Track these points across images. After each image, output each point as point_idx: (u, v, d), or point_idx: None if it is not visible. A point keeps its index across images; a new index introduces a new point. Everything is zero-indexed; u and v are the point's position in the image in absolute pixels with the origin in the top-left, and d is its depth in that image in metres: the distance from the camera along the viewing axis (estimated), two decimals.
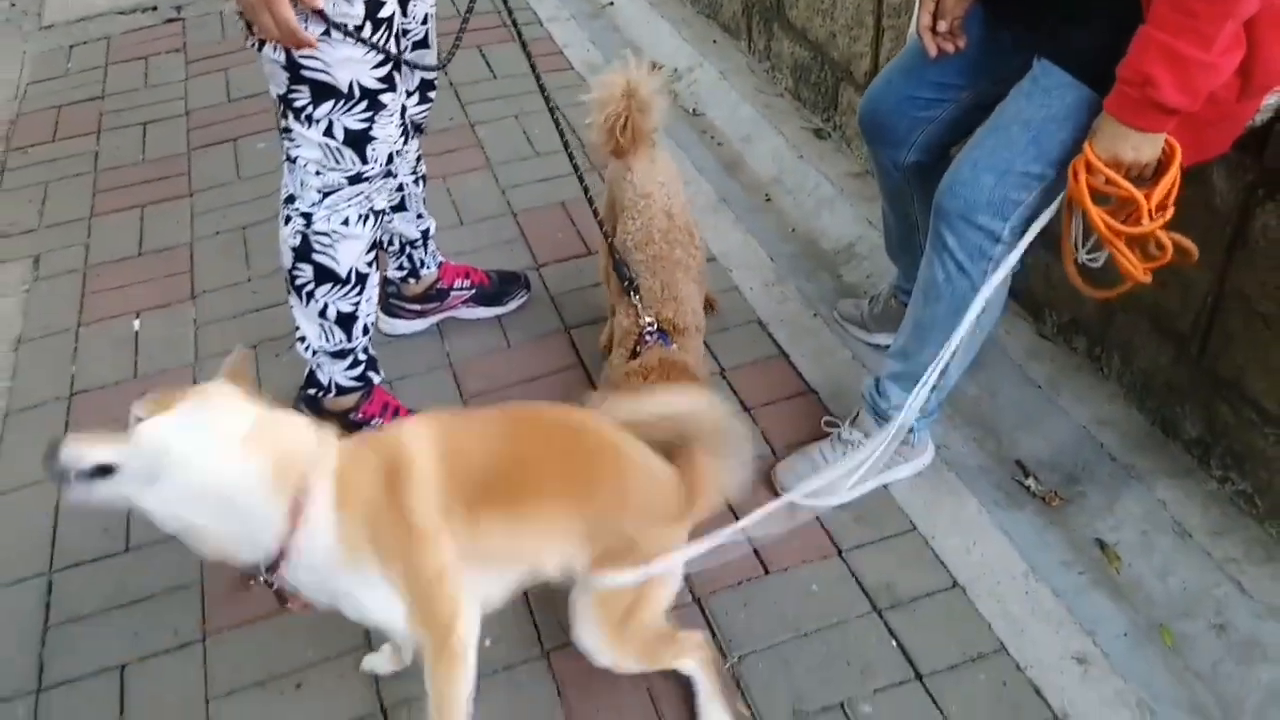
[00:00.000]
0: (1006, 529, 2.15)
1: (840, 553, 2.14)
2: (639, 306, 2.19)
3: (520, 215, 3.20)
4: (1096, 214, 1.73)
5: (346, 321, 2.24)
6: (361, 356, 2.35)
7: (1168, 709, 1.84)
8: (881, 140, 2.29)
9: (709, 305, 2.60)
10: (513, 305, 2.82)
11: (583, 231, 3.10)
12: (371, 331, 2.34)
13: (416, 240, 2.61)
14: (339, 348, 2.28)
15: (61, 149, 3.74)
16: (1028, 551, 2.11)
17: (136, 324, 2.91)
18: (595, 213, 2.39)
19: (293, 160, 2.05)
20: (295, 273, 2.18)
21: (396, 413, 2.41)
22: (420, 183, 2.55)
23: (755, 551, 2.13)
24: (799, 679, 1.91)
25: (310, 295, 2.19)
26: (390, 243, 2.61)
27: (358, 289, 2.21)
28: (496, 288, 2.80)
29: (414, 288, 2.71)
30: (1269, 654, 1.88)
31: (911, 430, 2.20)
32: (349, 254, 2.15)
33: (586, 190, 2.37)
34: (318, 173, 2.03)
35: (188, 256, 3.16)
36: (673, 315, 2.20)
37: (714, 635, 1.99)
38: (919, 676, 1.91)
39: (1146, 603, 2.02)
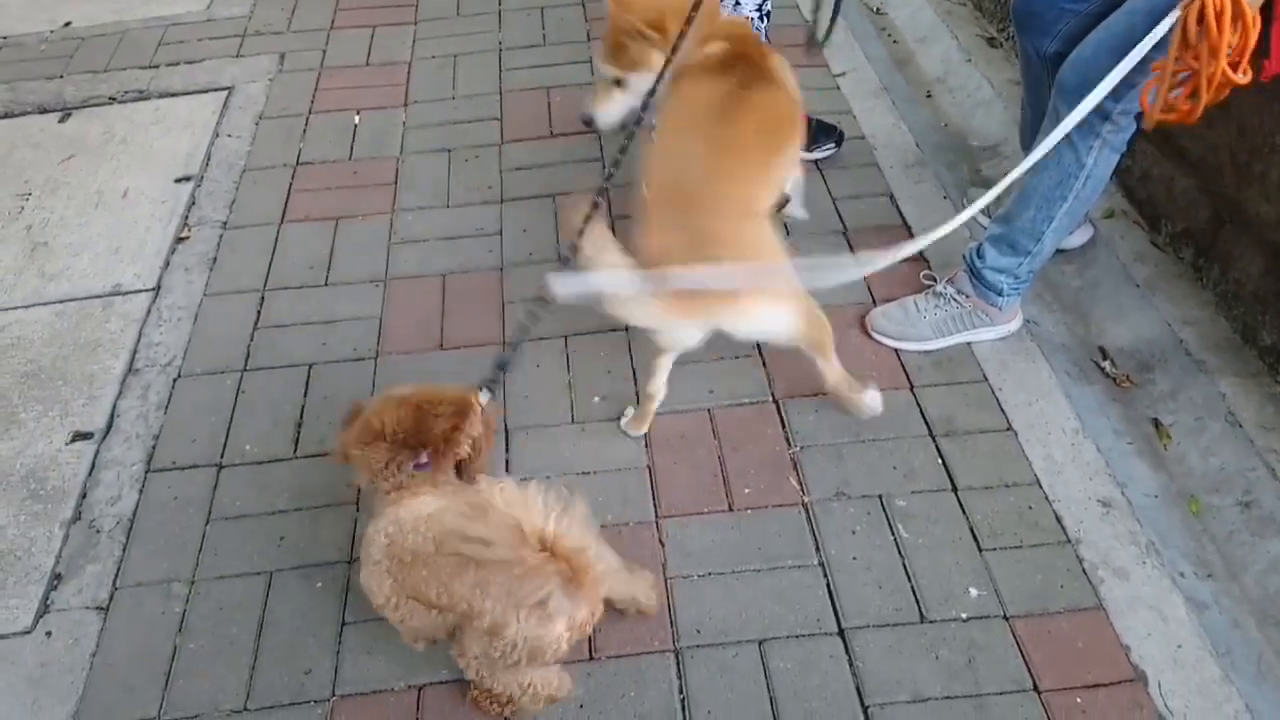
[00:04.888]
0: (1071, 395, 2.36)
1: (912, 387, 2.40)
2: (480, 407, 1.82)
3: None
4: (1225, 57, 1.76)
5: None
6: None
7: (1175, 556, 2.05)
8: (1030, 28, 2.47)
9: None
10: (818, 155, 3.02)
11: None
12: None
13: None
14: None
15: None
16: (1085, 416, 2.32)
17: (356, 118, 3.39)
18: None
19: None
20: None
21: None
22: (765, 18, 2.75)
23: None
24: (849, 471, 2.21)
25: None
26: None
27: None
28: (808, 133, 2.93)
29: None
30: None
31: (1002, 294, 2.42)
32: None
33: None
34: None
35: (406, 72, 3.62)
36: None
37: (783, 428, 2.31)
38: (954, 489, 2.18)
39: (1184, 474, 2.21)
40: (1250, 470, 2.16)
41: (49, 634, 2.02)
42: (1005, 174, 3.02)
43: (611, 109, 2.30)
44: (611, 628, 1.95)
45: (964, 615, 1.95)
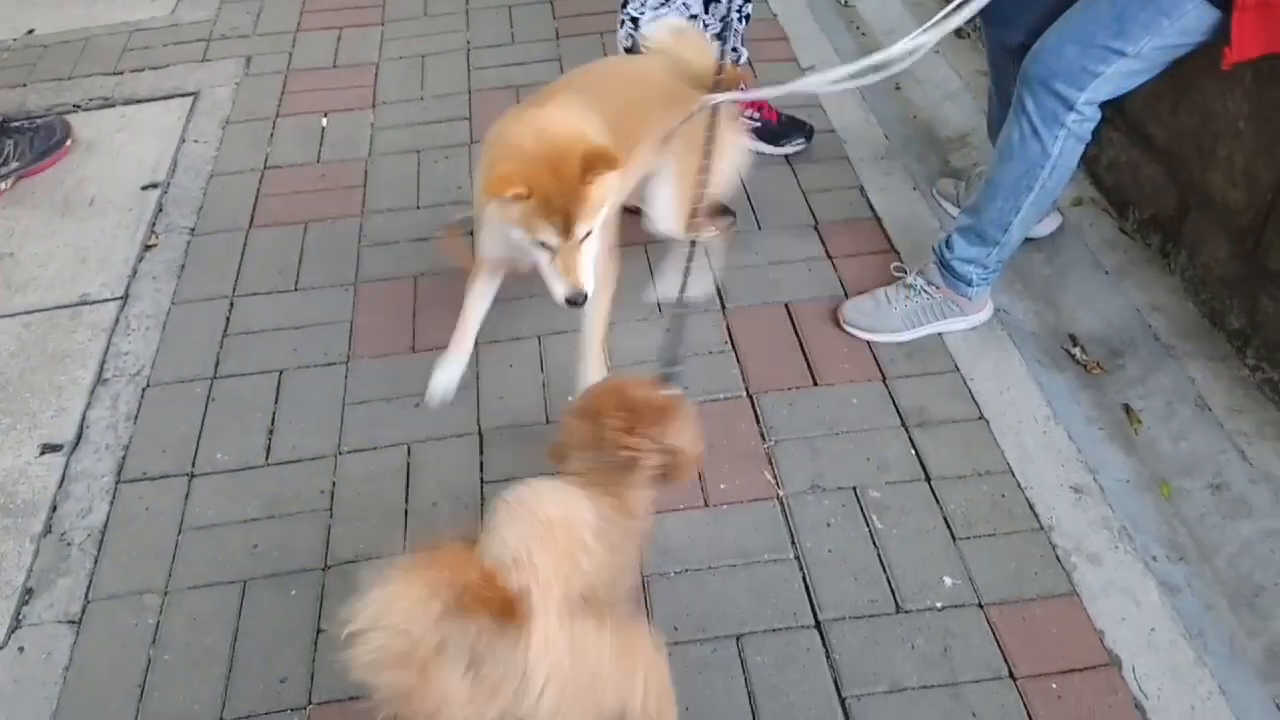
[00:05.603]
0: (1042, 382, 2.38)
1: (885, 379, 2.41)
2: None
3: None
4: None
5: None
6: None
7: (1147, 540, 2.07)
8: (996, 18, 2.46)
9: None
10: (789, 149, 3.10)
11: None
12: None
13: None
14: None
15: None
16: (1056, 403, 2.33)
17: (324, 121, 3.37)
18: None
19: None
20: None
21: None
22: (744, 20, 2.78)
23: (808, 364, 2.43)
24: (822, 464, 2.22)
25: None
26: None
27: None
28: (780, 129, 3.09)
29: None
30: (1254, 512, 2.07)
31: (971, 285, 2.43)
32: None
33: None
34: None
35: (373, 73, 3.60)
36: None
37: (758, 422, 2.32)
38: (928, 479, 2.18)
39: (1154, 459, 2.23)
40: (1220, 453, 2.18)
41: (21, 649, 2.00)
42: (973, 164, 3.09)
43: (592, 267, 1.97)
44: None
45: (939, 604, 1.96)
